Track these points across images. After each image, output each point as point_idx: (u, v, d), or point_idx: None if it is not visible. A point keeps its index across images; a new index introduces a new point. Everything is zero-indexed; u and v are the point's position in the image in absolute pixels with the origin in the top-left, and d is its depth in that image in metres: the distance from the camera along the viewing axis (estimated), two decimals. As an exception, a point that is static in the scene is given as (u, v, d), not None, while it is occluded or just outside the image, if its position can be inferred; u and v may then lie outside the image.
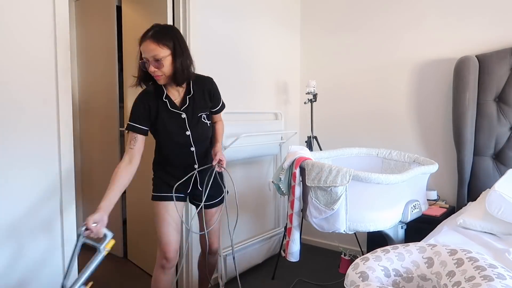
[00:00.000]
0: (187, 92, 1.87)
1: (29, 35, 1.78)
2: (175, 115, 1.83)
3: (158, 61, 1.70)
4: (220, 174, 2.03)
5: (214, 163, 1.93)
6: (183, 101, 1.86)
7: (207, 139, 1.96)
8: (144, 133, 1.80)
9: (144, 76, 1.80)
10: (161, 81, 1.77)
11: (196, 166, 1.94)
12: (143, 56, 1.72)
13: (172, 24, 2.51)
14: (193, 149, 1.89)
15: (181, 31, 2.51)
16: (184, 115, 1.85)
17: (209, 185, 1.96)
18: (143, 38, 1.71)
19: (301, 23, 3.55)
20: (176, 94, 1.86)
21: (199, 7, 2.56)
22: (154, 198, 1.93)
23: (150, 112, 1.80)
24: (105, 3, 3.15)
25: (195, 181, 1.97)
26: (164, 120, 1.82)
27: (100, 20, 3.20)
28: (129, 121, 1.80)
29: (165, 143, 1.87)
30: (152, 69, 1.71)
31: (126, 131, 1.82)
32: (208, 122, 1.93)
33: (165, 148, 1.89)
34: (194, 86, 1.88)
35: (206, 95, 1.92)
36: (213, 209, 2.05)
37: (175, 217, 1.90)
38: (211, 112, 1.98)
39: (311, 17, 3.49)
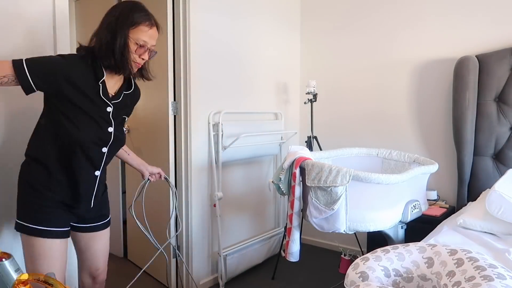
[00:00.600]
0: (127, 87, 1.59)
1: (29, 35, 1.78)
2: (101, 105, 1.47)
3: (151, 52, 1.52)
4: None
5: (162, 177, 1.89)
6: (117, 95, 1.54)
7: (120, 147, 1.62)
8: (31, 91, 1.36)
9: (109, 56, 1.44)
10: (136, 70, 1.53)
11: (97, 173, 1.53)
12: (143, 40, 1.46)
13: (172, 24, 2.51)
14: (105, 150, 1.52)
15: (181, 31, 2.52)
16: (110, 109, 1.50)
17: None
18: (151, 22, 1.48)
19: (301, 23, 3.55)
20: (112, 83, 1.53)
21: (199, 7, 2.56)
22: (39, 234, 1.38)
23: (69, 80, 1.38)
24: (105, 3, 3.14)
25: (90, 197, 1.55)
26: (85, 103, 1.42)
27: (100, 20, 3.20)
28: (28, 64, 1.33)
29: (77, 131, 1.41)
30: (146, 56, 1.50)
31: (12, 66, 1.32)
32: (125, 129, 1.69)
33: (71, 138, 1.41)
34: (135, 87, 1.65)
35: (133, 103, 1.67)
36: (106, 230, 1.65)
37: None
38: None
39: (311, 17, 3.49)
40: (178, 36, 2.52)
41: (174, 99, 2.58)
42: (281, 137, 3.23)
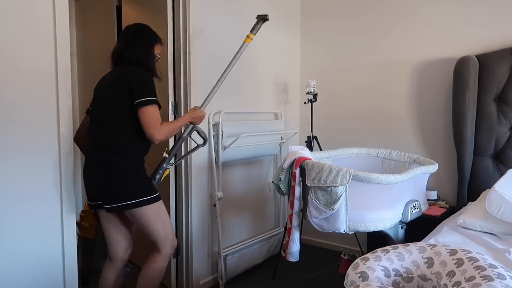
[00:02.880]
0: None
1: (29, 35, 1.78)
2: None
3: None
4: None
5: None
6: None
7: None
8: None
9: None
10: None
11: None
12: (158, 53, 2.04)
13: (172, 24, 2.52)
14: None
15: (181, 31, 2.52)
16: None
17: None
18: (161, 41, 2.06)
19: (301, 23, 3.55)
20: None
21: (199, 7, 2.56)
22: (156, 200, 1.89)
23: None
24: (105, 3, 3.14)
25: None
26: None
27: (100, 20, 3.20)
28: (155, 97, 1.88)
29: None
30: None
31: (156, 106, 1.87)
32: None
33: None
34: None
35: None
36: None
37: None
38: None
39: (311, 17, 3.49)
40: (178, 36, 2.53)
41: (174, 99, 2.58)
42: (281, 137, 3.23)
